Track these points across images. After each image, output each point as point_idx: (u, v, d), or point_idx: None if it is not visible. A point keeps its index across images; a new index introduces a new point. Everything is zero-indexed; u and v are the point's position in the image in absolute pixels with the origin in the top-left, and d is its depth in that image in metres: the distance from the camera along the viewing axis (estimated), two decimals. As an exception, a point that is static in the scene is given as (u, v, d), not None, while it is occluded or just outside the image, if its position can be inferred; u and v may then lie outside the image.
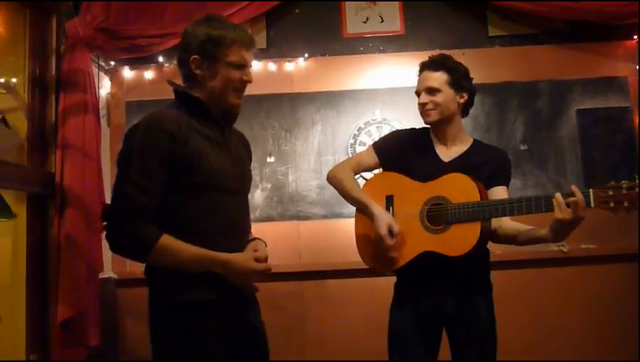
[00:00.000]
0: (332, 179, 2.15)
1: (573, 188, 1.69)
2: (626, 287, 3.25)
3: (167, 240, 1.50)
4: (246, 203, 1.75)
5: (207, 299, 1.54)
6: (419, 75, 2.08)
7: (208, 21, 1.66)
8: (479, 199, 1.85)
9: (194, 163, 1.55)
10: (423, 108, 2.04)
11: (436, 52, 3.34)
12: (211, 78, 1.63)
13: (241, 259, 1.57)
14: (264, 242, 1.74)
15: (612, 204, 1.66)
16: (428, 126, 2.11)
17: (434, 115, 2.02)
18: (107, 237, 1.53)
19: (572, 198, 1.68)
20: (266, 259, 1.63)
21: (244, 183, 1.75)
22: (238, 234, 1.67)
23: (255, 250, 1.64)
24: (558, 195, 1.70)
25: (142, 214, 1.49)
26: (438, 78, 2.01)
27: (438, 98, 2.00)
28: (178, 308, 1.54)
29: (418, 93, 2.06)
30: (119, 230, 1.50)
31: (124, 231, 1.49)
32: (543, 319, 3.28)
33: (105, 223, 1.53)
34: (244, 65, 1.67)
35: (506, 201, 1.84)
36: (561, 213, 1.69)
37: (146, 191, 1.50)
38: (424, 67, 2.06)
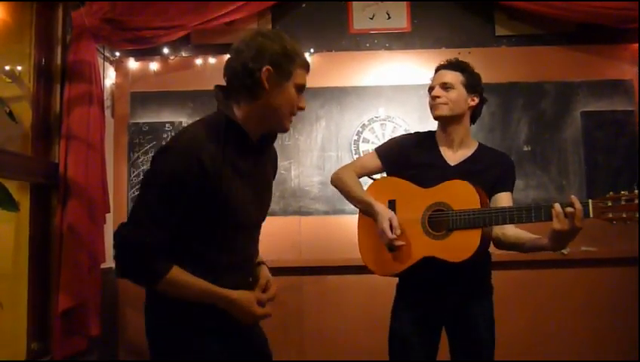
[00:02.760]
0: (335, 181, 2.18)
1: (573, 198, 1.69)
2: (625, 291, 3.26)
3: (175, 274, 1.46)
4: (259, 232, 1.71)
5: (214, 324, 1.53)
6: (436, 71, 2.11)
7: (281, 36, 1.53)
8: (480, 206, 1.87)
9: (220, 201, 1.49)
10: (434, 102, 2.05)
11: (442, 50, 3.44)
12: (278, 94, 1.51)
13: (245, 300, 1.54)
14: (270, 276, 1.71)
15: (611, 215, 1.67)
16: (433, 130, 2.14)
17: (444, 110, 2.04)
18: (117, 264, 1.48)
19: (569, 209, 1.68)
20: (272, 298, 1.62)
21: (263, 215, 1.71)
22: (247, 263, 1.66)
23: (264, 289, 1.63)
24: (557, 206, 1.70)
25: (154, 249, 1.44)
26: (454, 76, 2.05)
27: (451, 94, 2.03)
28: (182, 320, 1.53)
29: (432, 88, 2.08)
30: (129, 259, 1.46)
31: (133, 261, 1.45)
32: (541, 321, 3.29)
33: (115, 244, 1.48)
34: (303, 90, 1.58)
35: (507, 209, 1.85)
36: (559, 223, 1.70)
37: (161, 225, 1.44)
38: (441, 67, 2.10)
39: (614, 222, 1.67)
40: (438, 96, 2.03)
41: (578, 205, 1.67)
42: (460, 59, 2.12)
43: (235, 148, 1.52)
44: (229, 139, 1.51)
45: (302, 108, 1.59)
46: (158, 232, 1.44)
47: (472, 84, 2.05)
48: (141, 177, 3.30)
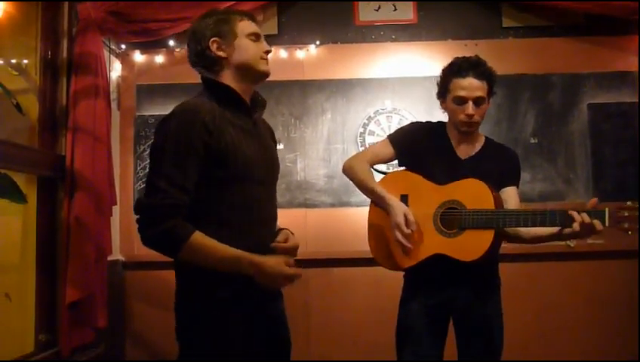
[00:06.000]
0: (348, 170, 2.14)
1: (584, 215, 1.71)
2: (632, 283, 3.24)
3: (199, 238, 1.48)
4: (274, 192, 1.74)
5: (240, 292, 1.53)
6: (462, 76, 1.96)
7: (209, 13, 1.68)
8: (494, 207, 1.86)
9: (229, 156, 1.53)
10: (469, 119, 1.96)
11: (449, 42, 3.42)
12: (236, 53, 1.62)
13: (273, 262, 1.54)
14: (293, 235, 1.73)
15: (627, 225, 1.66)
16: (443, 121, 2.12)
17: (475, 127, 2.01)
18: (139, 231, 1.50)
19: (585, 218, 1.70)
20: (296, 248, 1.66)
21: (274, 173, 1.75)
22: (268, 223, 1.68)
23: (285, 251, 1.63)
24: (574, 214, 1.72)
25: (175, 211, 1.47)
26: (484, 88, 1.97)
27: (482, 109, 1.98)
28: (212, 302, 1.52)
29: (464, 100, 1.95)
30: (152, 226, 1.47)
31: (156, 227, 1.46)
32: (546, 313, 3.29)
33: (137, 217, 1.50)
34: (260, 36, 1.68)
35: (521, 212, 1.85)
36: (575, 230, 1.72)
37: (180, 186, 1.48)
38: (471, 70, 1.95)
39: (629, 233, 1.66)
40: (473, 115, 1.95)
41: (587, 219, 1.69)
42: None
43: (231, 110, 1.61)
44: (221, 101, 1.60)
45: (269, 52, 1.68)
46: (177, 193, 1.47)
47: (492, 90, 2.00)
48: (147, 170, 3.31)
